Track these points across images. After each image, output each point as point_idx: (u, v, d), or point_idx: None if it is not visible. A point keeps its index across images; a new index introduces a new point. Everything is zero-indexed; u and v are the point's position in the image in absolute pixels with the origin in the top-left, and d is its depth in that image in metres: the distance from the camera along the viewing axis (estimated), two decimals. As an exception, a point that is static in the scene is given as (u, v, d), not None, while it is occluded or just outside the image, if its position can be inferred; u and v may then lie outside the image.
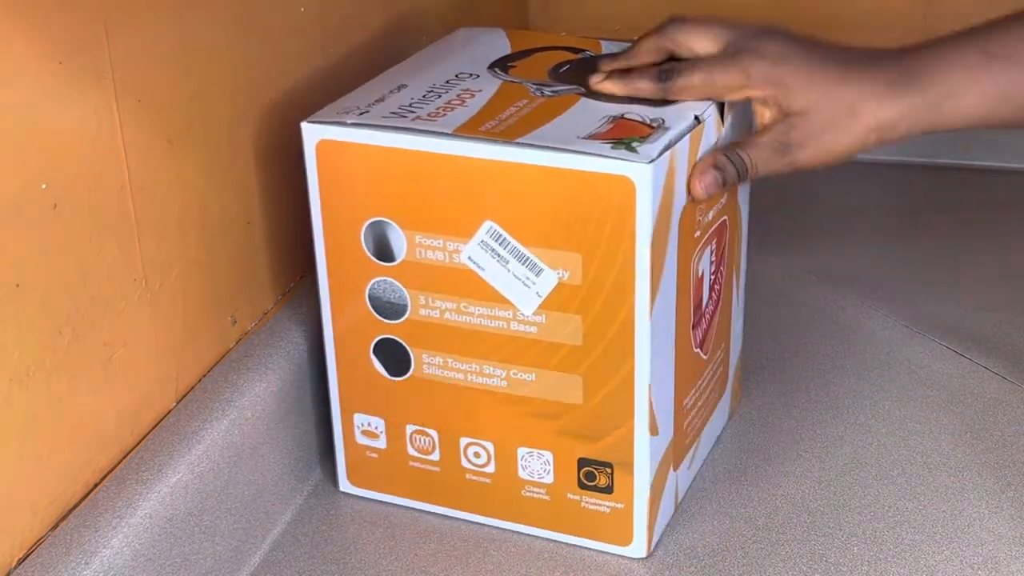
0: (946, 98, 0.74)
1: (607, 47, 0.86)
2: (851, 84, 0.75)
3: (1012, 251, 1.15)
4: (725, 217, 0.82)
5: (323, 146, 0.75)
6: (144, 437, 0.74)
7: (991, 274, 1.11)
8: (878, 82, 0.75)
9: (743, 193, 0.85)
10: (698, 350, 0.82)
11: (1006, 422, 0.90)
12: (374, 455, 0.83)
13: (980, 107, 0.75)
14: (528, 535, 0.81)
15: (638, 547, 0.79)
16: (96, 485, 0.70)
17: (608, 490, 0.78)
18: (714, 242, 0.81)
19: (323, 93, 0.81)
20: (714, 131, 0.77)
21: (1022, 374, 0.96)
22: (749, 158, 0.76)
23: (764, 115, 0.77)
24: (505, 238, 0.73)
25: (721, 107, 0.77)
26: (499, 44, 0.87)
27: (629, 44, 0.82)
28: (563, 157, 0.70)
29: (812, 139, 0.75)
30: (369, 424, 0.82)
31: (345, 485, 0.85)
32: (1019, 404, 0.92)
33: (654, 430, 0.76)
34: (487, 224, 0.73)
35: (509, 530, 0.81)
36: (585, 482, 0.78)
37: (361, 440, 0.83)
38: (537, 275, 0.73)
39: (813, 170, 0.77)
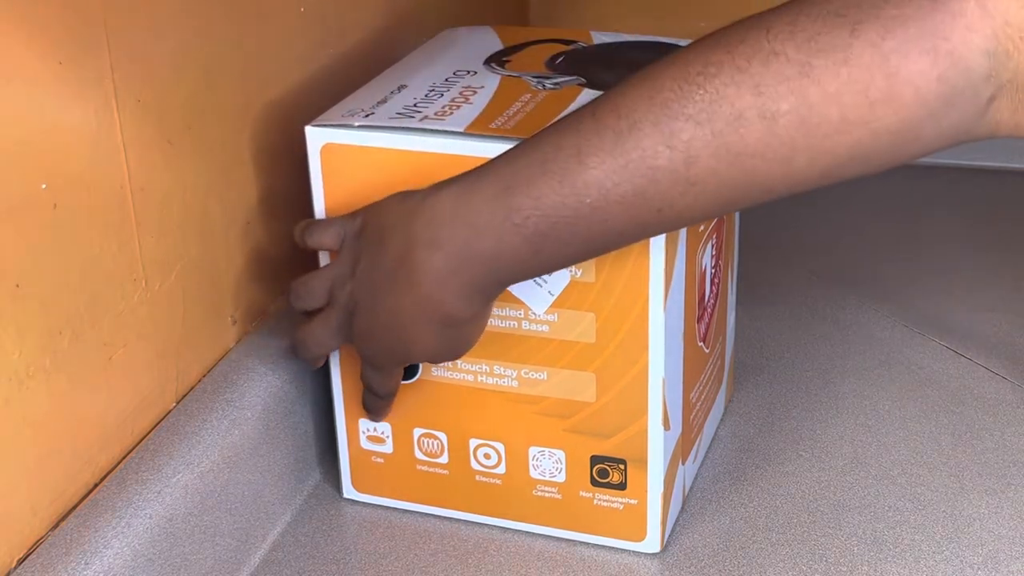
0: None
1: (597, 38, 0.86)
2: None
3: (1012, 251, 1.15)
4: None
5: (328, 150, 0.75)
6: (144, 437, 0.74)
7: (991, 274, 1.11)
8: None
9: None
10: (701, 344, 0.82)
11: (1006, 422, 0.90)
12: (380, 460, 0.82)
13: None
14: (539, 535, 0.80)
15: (652, 542, 0.78)
16: (96, 485, 0.70)
17: (621, 486, 0.77)
18: (715, 236, 0.81)
19: (323, 93, 0.81)
20: None
21: (1022, 374, 0.96)
22: None
23: None
24: None
25: None
26: (489, 40, 0.86)
27: (618, 36, 0.81)
28: None
29: None
30: (375, 429, 0.81)
31: (349, 492, 0.84)
32: (1019, 404, 0.92)
33: (667, 424, 0.76)
34: None
35: (518, 531, 0.81)
36: (598, 479, 0.78)
37: (366, 445, 0.82)
38: (549, 274, 0.73)
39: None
